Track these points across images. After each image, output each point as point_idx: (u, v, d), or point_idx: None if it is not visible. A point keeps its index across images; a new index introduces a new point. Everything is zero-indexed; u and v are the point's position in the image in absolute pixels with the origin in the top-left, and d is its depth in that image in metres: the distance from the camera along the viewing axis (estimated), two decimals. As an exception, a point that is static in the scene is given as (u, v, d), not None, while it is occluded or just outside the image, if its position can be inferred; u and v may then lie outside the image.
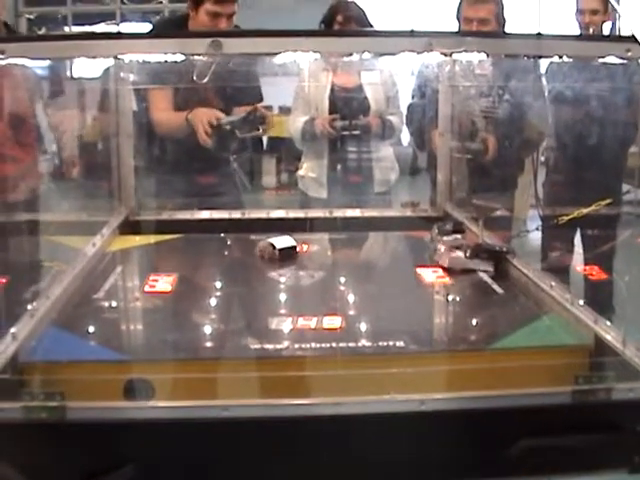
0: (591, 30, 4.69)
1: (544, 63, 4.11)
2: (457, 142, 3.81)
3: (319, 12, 4.42)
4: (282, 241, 2.97)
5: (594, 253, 4.07)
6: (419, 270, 2.80)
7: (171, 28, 4.15)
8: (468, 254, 2.80)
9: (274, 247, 2.93)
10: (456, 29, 4.20)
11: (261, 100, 4.16)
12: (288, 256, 2.94)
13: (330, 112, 4.38)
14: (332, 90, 4.43)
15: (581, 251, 4.44)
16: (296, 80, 4.47)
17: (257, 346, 2.11)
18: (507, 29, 4.24)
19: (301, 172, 4.61)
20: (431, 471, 1.85)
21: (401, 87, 4.54)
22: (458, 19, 4.23)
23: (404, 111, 4.52)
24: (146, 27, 12.12)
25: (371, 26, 4.34)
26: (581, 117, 4.43)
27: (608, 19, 4.78)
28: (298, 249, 3.01)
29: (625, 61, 1.98)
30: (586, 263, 4.37)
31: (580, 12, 4.81)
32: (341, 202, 4.07)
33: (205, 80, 2.05)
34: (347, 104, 4.39)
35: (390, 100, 4.49)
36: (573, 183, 4.43)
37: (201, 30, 3.61)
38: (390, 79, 4.47)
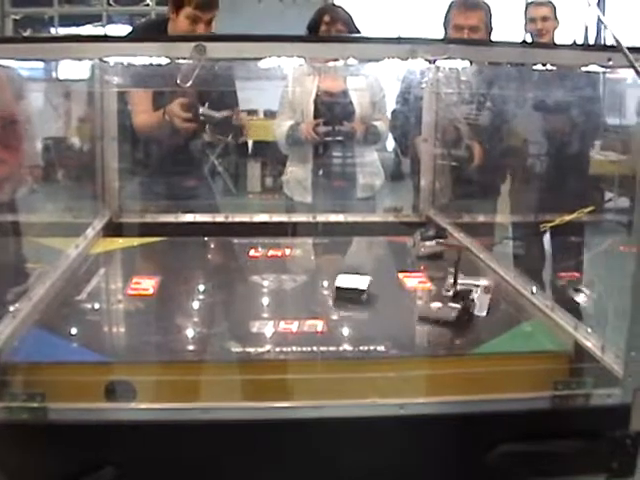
0: (544, 37, 4.75)
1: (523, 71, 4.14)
2: (442, 149, 3.82)
3: (306, 17, 4.43)
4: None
5: (573, 260, 4.09)
6: (401, 275, 2.81)
7: (152, 31, 4.16)
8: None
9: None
10: (441, 36, 4.22)
11: (237, 106, 4.17)
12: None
13: (315, 117, 4.38)
14: (317, 95, 4.43)
15: (560, 258, 4.46)
16: (282, 84, 4.48)
17: (238, 349, 2.12)
18: (493, 37, 4.25)
19: (286, 177, 4.61)
20: (410, 475, 1.86)
21: (387, 92, 4.55)
22: (445, 27, 4.23)
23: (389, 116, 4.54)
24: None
25: (358, 31, 4.36)
26: (543, 124, 4.46)
27: (558, 26, 4.84)
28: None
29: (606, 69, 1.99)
30: (565, 270, 4.38)
31: (531, 20, 4.87)
32: (326, 207, 4.07)
33: (189, 84, 2.06)
34: (332, 109, 4.39)
35: (376, 105, 4.50)
36: (535, 191, 4.44)
37: (186, 34, 3.62)
38: (376, 84, 4.47)
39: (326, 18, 4.28)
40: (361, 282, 2.56)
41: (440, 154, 3.81)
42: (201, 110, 3.74)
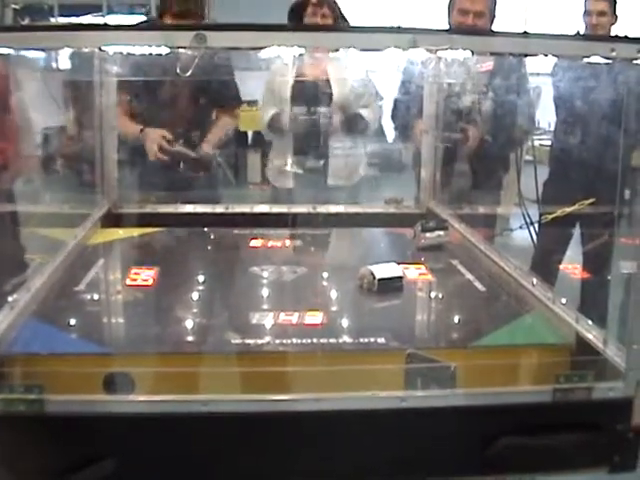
0: (599, 32, 4.69)
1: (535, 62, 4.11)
2: (437, 132, 3.79)
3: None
4: (385, 270, 2.60)
5: (579, 251, 4.08)
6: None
7: None
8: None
9: (374, 277, 2.55)
10: (444, 23, 4.20)
11: (239, 101, 4.20)
12: (389, 288, 2.57)
13: (293, 105, 4.38)
14: (296, 82, 4.41)
15: (566, 250, 4.45)
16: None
17: (238, 341, 2.11)
18: (495, 26, 4.23)
19: (269, 163, 4.65)
20: (411, 468, 1.85)
21: (378, 81, 4.53)
22: (449, 10, 4.20)
23: (379, 105, 4.53)
24: (132, 20, 12.07)
25: (344, 18, 4.34)
26: (583, 118, 4.43)
27: (615, 22, 4.79)
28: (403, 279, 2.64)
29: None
30: (570, 262, 4.37)
31: (587, 13, 4.81)
32: (306, 194, 4.07)
33: (188, 74, 2.04)
34: (310, 97, 4.37)
35: (362, 93, 4.47)
36: (577, 182, 4.41)
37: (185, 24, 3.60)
38: (361, 72, 4.46)
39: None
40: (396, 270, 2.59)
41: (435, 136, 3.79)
42: (176, 147, 3.77)
